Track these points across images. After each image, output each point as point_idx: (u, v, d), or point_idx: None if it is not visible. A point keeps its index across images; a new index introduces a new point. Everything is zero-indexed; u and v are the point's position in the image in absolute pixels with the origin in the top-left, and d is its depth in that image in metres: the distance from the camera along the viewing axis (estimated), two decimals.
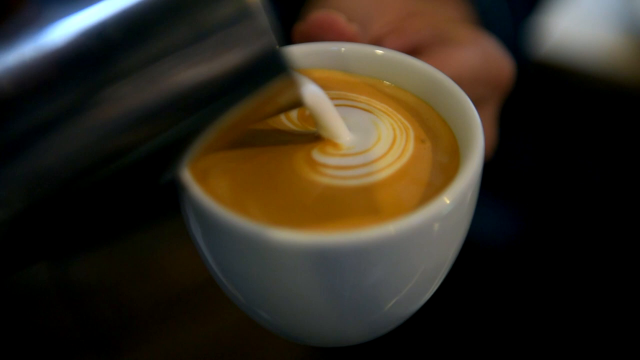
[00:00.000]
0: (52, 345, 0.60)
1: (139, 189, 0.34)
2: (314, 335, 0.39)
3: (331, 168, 0.35)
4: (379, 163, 0.36)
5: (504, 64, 0.46)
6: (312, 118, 0.39)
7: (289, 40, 0.42)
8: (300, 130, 0.38)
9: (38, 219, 0.32)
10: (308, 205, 0.34)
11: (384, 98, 0.40)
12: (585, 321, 0.88)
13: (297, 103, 0.35)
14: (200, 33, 0.30)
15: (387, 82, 0.41)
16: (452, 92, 0.38)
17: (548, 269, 0.92)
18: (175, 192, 0.36)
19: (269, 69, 0.32)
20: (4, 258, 0.33)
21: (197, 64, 0.31)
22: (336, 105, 0.37)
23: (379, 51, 0.41)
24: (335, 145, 0.37)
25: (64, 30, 0.30)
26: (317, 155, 0.36)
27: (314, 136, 0.38)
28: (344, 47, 0.42)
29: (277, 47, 0.31)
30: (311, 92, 0.35)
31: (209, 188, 0.34)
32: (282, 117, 0.39)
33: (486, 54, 0.45)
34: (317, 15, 0.42)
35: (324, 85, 0.37)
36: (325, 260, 0.32)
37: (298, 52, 0.41)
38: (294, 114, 0.39)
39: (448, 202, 0.33)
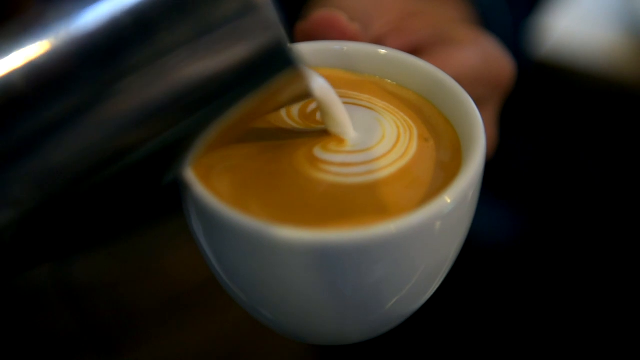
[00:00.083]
0: (52, 345, 0.60)
1: (144, 187, 0.34)
2: (314, 333, 0.39)
3: (334, 165, 0.35)
4: (382, 161, 0.36)
5: (505, 64, 0.46)
6: (313, 116, 0.39)
7: (290, 39, 0.42)
8: (302, 128, 0.38)
9: (46, 219, 0.32)
10: (310, 203, 0.34)
11: (387, 96, 0.40)
12: (585, 320, 0.88)
13: (304, 96, 0.35)
14: (207, 27, 0.30)
15: (390, 81, 0.41)
16: (454, 91, 0.38)
17: (548, 269, 0.92)
18: (176, 191, 0.36)
19: (277, 62, 0.32)
20: (12, 259, 0.33)
21: (204, 58, 0.31)
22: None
23: (382, 50, 0.41)
24: (338, 142, 0.37)
25: (71, 27, 0.30)
26: (319, 152, 0.36)
27: (316, 133, 0.38)
28: (346, 46, 0.42)
29: (285, 40, 0.31)
30: (320, 85, 0.35)
31: (211, 186, 0.34)
32: (284, 115, 0.39)
33: (486, 54, 0.45)
34: (319, 14, 0.42)
35: None
36: (327, 258, 0.32)
37: (300, 51, 0.41)
38: (295, 111, 0.39)
39: (449, 201, 0.33)
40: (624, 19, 1.15)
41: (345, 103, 0.39)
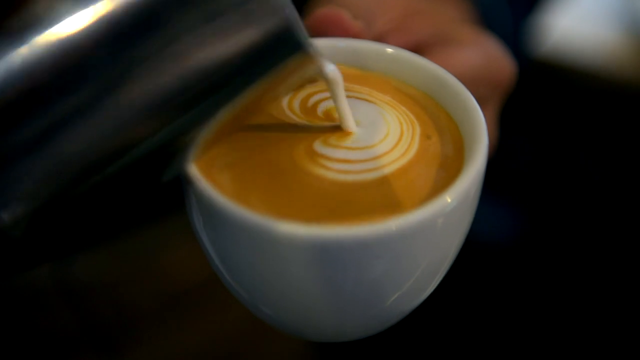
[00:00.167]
0: (52, 345, 0.60)
1: (151, 180, 0.34)
2: (315, 329, 0.39)
3: (336, 162, 0.35)
4: (385, 158, 0.36)
5: (505, 64, 0.46)
6: (314, 111, 0.39)
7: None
8: (304, 123, 0.38)
9: (56, 215, 0.32)
10: (312, 198, 0.34)
11: (391, 92, 0.41)
12: (584, 319, 0.88)
13: (313, 78, 0.35)
14: (216, 12, 0.30)
15: (394, 78, 0.42)
16: (458, 90, 0.39)
17: (547, 267, 0.92)
18: (176, 190, 0.36)
19: (287, 46, 0.32)
20: (20, 255, 0.33)
21: (215, 44, 0.31)
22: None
23: (387, 48, 0.41)
24: (340, 138, 0.37)
25: (77, 19, 0.30)
26: (322, 148, 0.36)
27: (318, 128, 0.38)
28: (350, 43, 0.42)
29: (295, 23, 0.31)
30: (332, 68, 0.36)
31: (213, 181, 0.34)
32: (286, 109, 0.39)
33: (487, 54, 0.45)
34: (322, 12, 0.42)
35: None
36: (327, 254, 0.32)
37: None
38: (297, 106, 0.39)
39: (450, 200, 0.33)
40: (624, 19, 1.16)
41: (349, 97, 0.39)
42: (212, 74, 0.31)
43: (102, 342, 0.62)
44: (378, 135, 0.37)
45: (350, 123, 0.37)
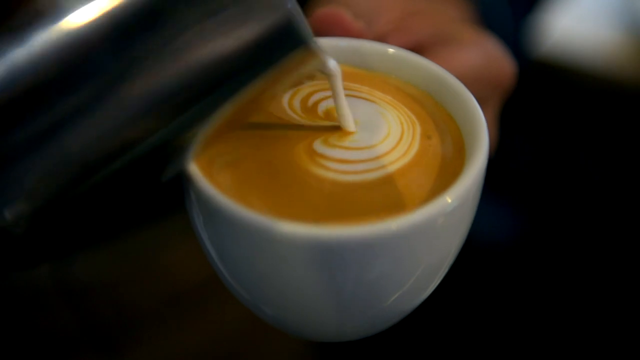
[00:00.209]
0: (52, 345, 0.60)
1: (152, 178, 0.34)
2: (315, 329, 0.39)
3: (336, 162, 0.35)
4: (385, 158, 0.36)
5: (506, 65, 0.46)
6: (315, 110, 0.39)
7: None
8: (304, 122, 0.38)
9: (59, 212, 0.32)
10: (313, 198, 0.34)
11: (392, 92, 0.41)
12: (584, 319, 0.88)
13: (312, 75, 0.35)
14: (217, 7, 0.30)
15: (395, 77, 0.42)
16: (458, 90, 0.39)
17: (547, 268, 0.92)
18: (176, 190, 0.36)
19: (290, 39, 0.32)
20: (19, 253, 0.33)
21: (217, 40, 0.31)
22: (345, 96, 0.37)
23: (388, 48, 0.41)
24: (340, 138, 0.37)
25: (77, 17, 0.30)
26: (322, 148, 0.36)
27: (318, 128, 0.38)
28: (351, 43, 0.42)
29: (296, 17, 0.31)
30: (333, 63, 0.36)
31: (213, 180, 0.34)
32: (287, 109, 0.39)
33: (488, 54, 0.45)
34: (323, 11, 0.42)
35: None
36: (327, 254, 0.32)
37: None
38: (298, 105, 0.39)
39: (450, 200, 0.33)
40: (624, 19, 1.16)
41: (350, 96, 0.39)
42: (214, 69, 0.31)
43: (102, 342, 0.62)
44: (379, 135, 0.37)
45: (348, 121, 0.37)
